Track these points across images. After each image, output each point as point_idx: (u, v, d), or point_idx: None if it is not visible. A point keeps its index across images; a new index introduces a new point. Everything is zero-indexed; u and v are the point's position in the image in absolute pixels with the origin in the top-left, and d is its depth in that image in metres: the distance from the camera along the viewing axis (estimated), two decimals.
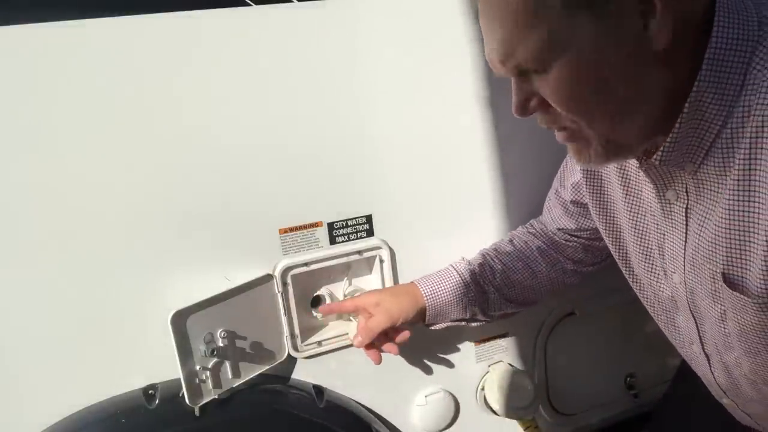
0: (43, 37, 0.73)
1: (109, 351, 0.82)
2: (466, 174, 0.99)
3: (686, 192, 0.63)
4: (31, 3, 0.74)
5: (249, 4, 0.82)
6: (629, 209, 0.75)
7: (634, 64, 0.53)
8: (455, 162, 0.98)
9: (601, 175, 0.80)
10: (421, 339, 1.00)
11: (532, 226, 1.00)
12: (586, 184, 0.82)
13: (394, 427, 1.03)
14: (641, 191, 0.72)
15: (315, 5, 0.85)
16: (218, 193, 0.85)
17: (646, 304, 0.83)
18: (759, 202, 0.53)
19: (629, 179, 0.74)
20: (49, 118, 0.75)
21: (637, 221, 0.75)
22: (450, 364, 1.05)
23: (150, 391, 0.84)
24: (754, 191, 0.54)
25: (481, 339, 1.06)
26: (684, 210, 0.65)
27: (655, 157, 0.60)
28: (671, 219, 0.67)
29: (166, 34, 0.78)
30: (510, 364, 1.08)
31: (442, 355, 1.04)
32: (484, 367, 1.08)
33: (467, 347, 1.06)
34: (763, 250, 0.54)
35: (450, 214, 1.00)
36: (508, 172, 1.01)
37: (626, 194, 0.75)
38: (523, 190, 1.03)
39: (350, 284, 0.97)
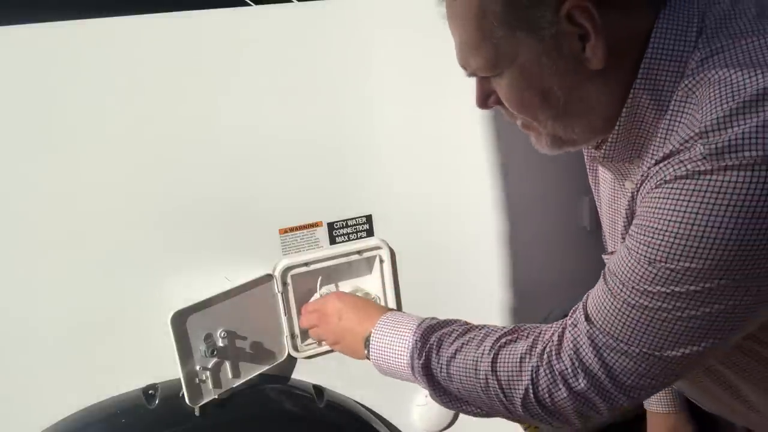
0: (43, 37, 0.73)
1: (109, 351, 0.82)
2: (466, 174, 0.99)
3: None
4: (31, 3, 0.74)
5: (249, 4, 0.83)
6: (604, 201, 0.80)
7: (574, 79, 0.58)
8: (455, 162, 0.98)
9: (597, 178, 0.82)
10: None
11: None
12: (595, 195, 0.85)
13: (394, 427, 1.02)
14: (606, 182, 0.77)
15: (315, 5, 0.85)
16: (218, 194, 0.85)
17: None
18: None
19: (598, 173, 0.78)
20: (48, 118, 0.75)
21: (611, 213, 0.78)
22: None
23: (150, 391, 0.84)
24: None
25: None
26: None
27: (598, 153, 0.65)
28: (634, 206, 0.70)
29: (166, 34, 0.79)
30: None
31: None
32: None
33: None
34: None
35: (450, 214, 0.99)
36: (508, 171, 1.01)
37: (597, 187, 0.81)
38: (523, 189, 1.03)
39: (350, 284, 0.97)
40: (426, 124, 0.95)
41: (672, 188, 0.51)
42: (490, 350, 0.66)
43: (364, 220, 0.94)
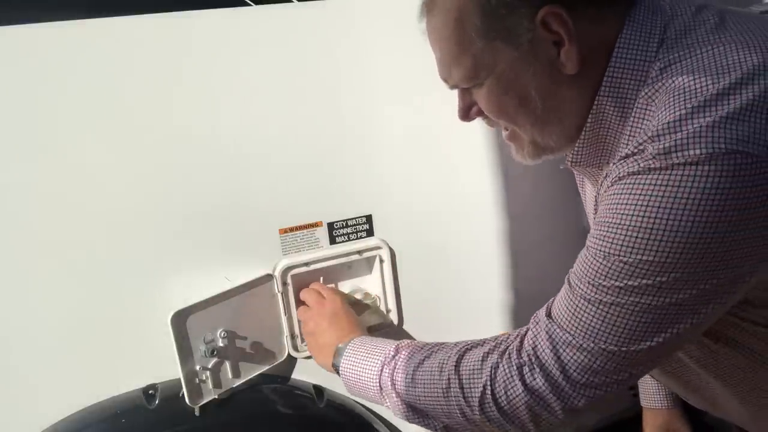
0: (43, 37, 0.73)
1: (109, 351, 0.82)
2: (466, 174, 0.99)
3: None
4: (31, 3, 0.74)
5: (249, 4, 0.83)
6: (585, 205, 0.82)
7: (549, 84, 0.61)
8: (455, 162, 0.98)
9: (584, 183, 0.85)
10: (419, 339, 1.00)
11: None
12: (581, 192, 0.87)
13: (394, 427, 1.02)
14: (588, 188, 0.79)
15: (315, 5, 0.85)
16: (218, 193, 0.85)
17: None
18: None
19: (585, 179, 0.81)
20: (48, 118, 0.75)
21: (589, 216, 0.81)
22: None
23: (150, 391, 0.84)
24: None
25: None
26: None
27: (566, 159, 0.68)
28: None
29: (166, 34, 0.79)
30: None
31: None
32: None
33: None
34: None
35: (450, 214, 0.99)
36: (509, 171, 1.01)
37: (584, 192, 0.83)
38: (524, 189, 1.03)
39: (350, 284, 0.97)
40: (426, 124, 0.95)
41: (625, 184, 0.53)
42: (456, 353, 0.67)
43: (364, 220, 0.94)
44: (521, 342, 0.62)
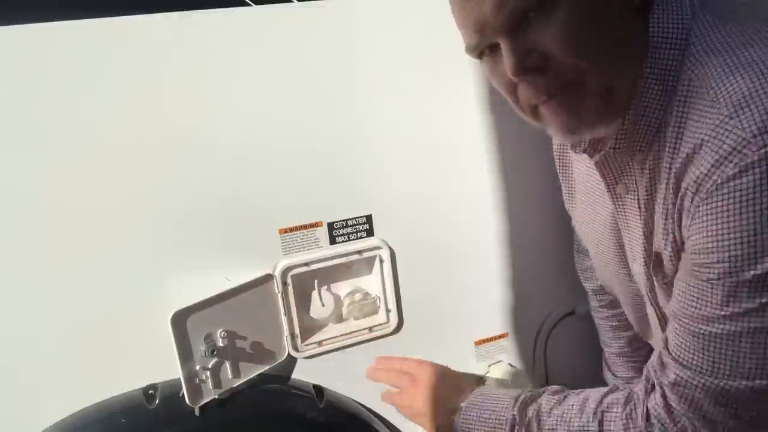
0: (43, 37, 0.73)
1: (109, 351, 0.82)
2: (466, 174, 0.99)
3: (635, 183, 0.64)
4: (31, 3, 0.74)
5: (249, 4, 0.83)
6: (588, 207, 0.79)
7: (619, 14, 0.55)
8: (455, 162, 0.98)
9: (572, 181, 0.82)
10: (420, 339, 1.00)
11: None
12: (565, 195, 0.85)
13: (394, 427, 1.02)
14: (593, 189, 0.75)
15: (315, 5, 0.85)
16: (218, 193, 0.85)
17: (621, 301, 0.84)
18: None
19: (582, 180, 0.78)
20: (48, 118, 0.75)
21: (593, 219, 0.78)
22: (450, 364, 1.05)
23: (150, 391, 0.84)
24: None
25: (481, 339, 1.06)
26: (636, 201, 0.65)
27: (609, 145, 0.61)
28: (624, 212, 0.68)
29: (166, 34, 0.79)
30: (510, 364, 1.08)
31: (442, 355, 1.04)
32: (484, 367, 1.08)
33: (467, 347, 1.06)
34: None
35: (450, 214, 0.99)
36: (508, 171, 1.01)
37: (582, 193, 0.80)
38: (523, 189, 1.03)
39: (350, 284, 0.97)
40: (426, 124, 0.95)
41: (727, 194, 0.48)
42: (594, 418, 0.63)
43: (364, 220, 0.94)
44: (668, 409, 0.58)
